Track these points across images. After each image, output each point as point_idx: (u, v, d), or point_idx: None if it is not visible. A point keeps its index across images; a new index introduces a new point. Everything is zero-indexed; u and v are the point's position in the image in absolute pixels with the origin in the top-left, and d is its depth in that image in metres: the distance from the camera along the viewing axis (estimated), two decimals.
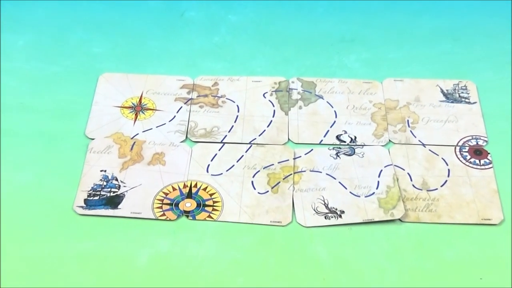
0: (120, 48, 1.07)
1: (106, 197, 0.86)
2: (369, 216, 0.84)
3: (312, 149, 0.93)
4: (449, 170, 0.90)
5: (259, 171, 0.90)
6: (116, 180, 0.88)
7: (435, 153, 0.92)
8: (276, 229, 0.83)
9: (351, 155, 0.92)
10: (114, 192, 0.87)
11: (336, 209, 0.85)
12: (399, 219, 0.84)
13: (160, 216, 0.84)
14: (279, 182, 0.88)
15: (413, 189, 0.88)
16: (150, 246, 0.81)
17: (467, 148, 0.93)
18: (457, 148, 0.93)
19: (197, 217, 0.85)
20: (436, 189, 0.88)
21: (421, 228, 0.84)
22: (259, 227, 0.84)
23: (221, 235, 0.83)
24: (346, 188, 0.87)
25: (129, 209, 0.85)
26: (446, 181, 0.89)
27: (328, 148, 0.93)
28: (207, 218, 0.85)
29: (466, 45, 1.08)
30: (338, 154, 0.92)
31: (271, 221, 0.84)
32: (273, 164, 0.91)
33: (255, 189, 0.88)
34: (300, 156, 0.92)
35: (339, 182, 0.88)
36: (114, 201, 0.86)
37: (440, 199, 0.87)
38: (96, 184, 0.88)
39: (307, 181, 0.88)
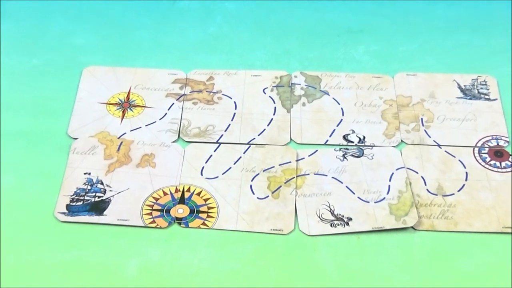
0: (106, 39, 1.08)
1: (90, 203, 0.86)
2: (379, 224, 0.84)
3: (316, 150, 0.93)
4: (466, 173, 0.90)
5: (258, 174, 0.90)
6: (102, 183, 0.88)
7: (451, 155, 0.92)
8: (277, 238, 0.84)
9: (360, 156, 0.92)
10: (99, 197, 0.87)
11: (343, 216, 0.85)
12: (412, 227, 0.84)
13: (150, 223, 0.84)
14: (281, 187, 0.88)
15: (427, 194, 0.88)
16: (139, 256, 0.81)
17: (487, 149, 0.93)
18: (476, 149, 0.93)
19: (190, 225, 0.85)
20: (453, 194, 0.88)
21: (436, 236, 0.84)
22: (258, 236, 0.84)
23: (217, 244, 0.83)
24: (354, 193, 0.88)
25: (116, 215, 0.85)
26: (463, 185, 0.89)
27: (334, 149, 0.93)
28: (201, 226, 0.85)
29: (485, 36, 1.08)
30: (345, 155, 0.92)
31: (271, 229, 0.84)
32: (273, 167, 0.91)
33: (254, 194, 0.88)
34: (303, 158, 0.92)
35: (346, 187, 0.88)
36: (99, 207, 0.86)
37: (457, 205, 0.87)
38: (79, 188, 0.88)
39: (311, 185, 0.89)
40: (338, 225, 0.84)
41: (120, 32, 1.09)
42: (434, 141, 0.94)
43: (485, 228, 0.84)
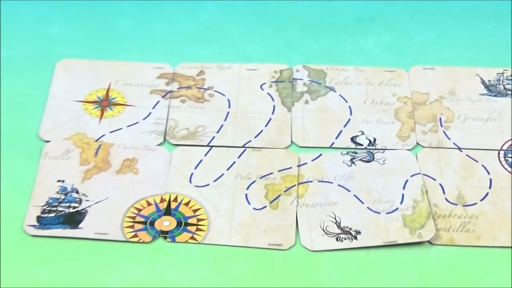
0: (83, 29, 1.08)
1: (64, 214, 0.86)
2: (391, 238, 0.84)
3: (321, 154, 0.93)
4: (491, 180, 0.90)
5: (254, 181, 0.90)
6: (77, 192, 0.88)
7: (473, 159, 0.92)
8: (276, 254, 0.83)
9: (370, 161, 0.92)
10: (74, 207, 0.87)
11: (351, 229, 0.85)
12: (429, 241, 0.84)
13: (132, 237, 0.84)
14: (280, 195, 0.88)
15: (446, 204, 0.87)
16: (119, 275, 0.81)
17: None
18: (501, 152, 0.93)
19: (177, 239, 0.84)
20: (475, 203, 0.88)
21: (456, 252, 0.83)
22: (254, 252, 0.83)
23: (207, 261, 0.82)
24: (363, 203, 0.87)
25: (93, 229, 0.85)
26: (487, 193, 0.89)
27: (341, 153, 0.93)
28: (190, 240, 0.84)
29: None
30: (353, 160, 0.92)
31: (269, 244, 0.84)
32: (272, 173, 0.91)
33: (249, 204, 0.88)
34: (305, 163, 0.92)
35: (355, 195, 0.88)
36: (74, 219, 0.86)
37: (480, 216, 0.86)
38: (51, 198, 0.87)
39: (314, 194, 0.88)
40: (345, 239, 0.84)
41: (99, 20, 1.09)
42: (454, 143, 0.94)
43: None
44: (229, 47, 1.06)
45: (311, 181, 0.90)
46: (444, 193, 0.89)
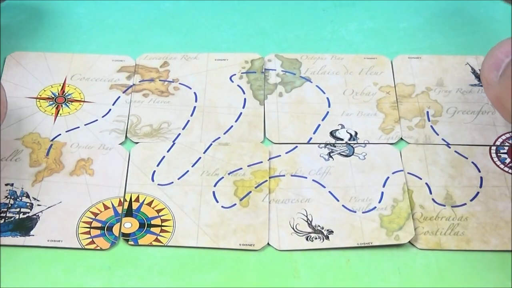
0: (35, 18, 1.09)
1: (13, 221, 0.87)
2: (366, 239, 0.85)
3: (296, 146, 0.94)
4: (481, 178, 0.92)
5: (222, 178, 0.91)
6: (27, 197, 0.89)
7: (463, 156, 0.94)
8: (247, 255, 0.84)
9: (349, 156, 0.93)
10: (24, 213, 0.88)
11: (323, 228, 0.86)
12: (415, 246, 0.85)
13: (88, 244, 0.85)
14: (250, 192, 0.90)
15: (433, 205, 0.89)
16: (76, 285, 0.82)
17: (507, 148, 0.94)
18: (494, 148, 0.94)
19: (140, 242, 0.86)
20: (465, 204, 0.89)
21: (444, 257, 0.85)
22: (224, 253, 0.85)
23: (173, 265, 0.83)
24: (338, 200, 0.89)
25: (46, 236, 0.86)
26: (477, 193, 0.90)
27: (319, 146, 0.95)
28: (154, 243, 0.85)
29: (505, 7, 1.09)
30: (331, 154, 0.94)
31: (240, 244, 0.85)
32: (241, 168, 0.92)
33: (218, 202, 0.89)
34: (279, 155, 0.93)
35: (330, 192, 0.90)
36: (25, 226, 0.87)
37: (470, 218, 0.88)
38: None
39: (285, 189, 0.90)
40: (316, 238, 0.85)
41: (53, 8, 1.10)
42: (442, 139, 0.95)
43: (504, 246, 0.85)
44: (195, 36, 1.07)
45: (283, 175, 0.91)
46: (430, 193, 0.90)
